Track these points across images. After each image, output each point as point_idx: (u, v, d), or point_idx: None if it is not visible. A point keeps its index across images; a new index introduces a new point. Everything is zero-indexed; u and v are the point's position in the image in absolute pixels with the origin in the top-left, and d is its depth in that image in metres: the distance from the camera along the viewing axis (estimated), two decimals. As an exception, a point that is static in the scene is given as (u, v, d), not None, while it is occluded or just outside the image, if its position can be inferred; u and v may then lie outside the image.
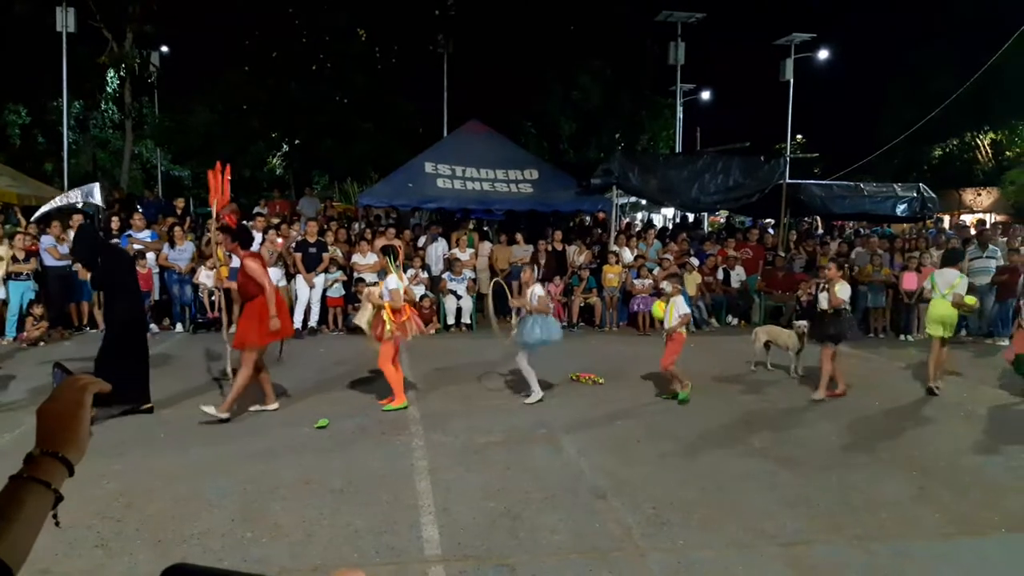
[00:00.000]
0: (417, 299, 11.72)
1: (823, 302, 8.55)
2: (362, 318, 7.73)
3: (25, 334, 10.88)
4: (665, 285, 8.67)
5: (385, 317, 7.41)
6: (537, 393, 7.94)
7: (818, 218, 20.60)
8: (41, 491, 1.12)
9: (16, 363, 9.54)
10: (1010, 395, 8.73)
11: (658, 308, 8.70)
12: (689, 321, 8.48)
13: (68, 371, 1.34)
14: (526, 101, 23.32)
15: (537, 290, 8.03)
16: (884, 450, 6.65)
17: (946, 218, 27.16)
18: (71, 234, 11.57)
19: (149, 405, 7.25)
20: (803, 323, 9.53)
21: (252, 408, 7.39)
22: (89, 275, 8.74)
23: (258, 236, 10.52)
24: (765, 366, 9.89)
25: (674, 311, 8.16)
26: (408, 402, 7.66)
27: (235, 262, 11.52)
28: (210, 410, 7.02)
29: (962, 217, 28.15)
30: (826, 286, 8.55)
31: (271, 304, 7.04)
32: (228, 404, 7.07)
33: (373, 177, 22.42)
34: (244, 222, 9.87)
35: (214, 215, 8.65)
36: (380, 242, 11.48)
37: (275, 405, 7.45)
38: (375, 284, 8.94)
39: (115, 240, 11.77)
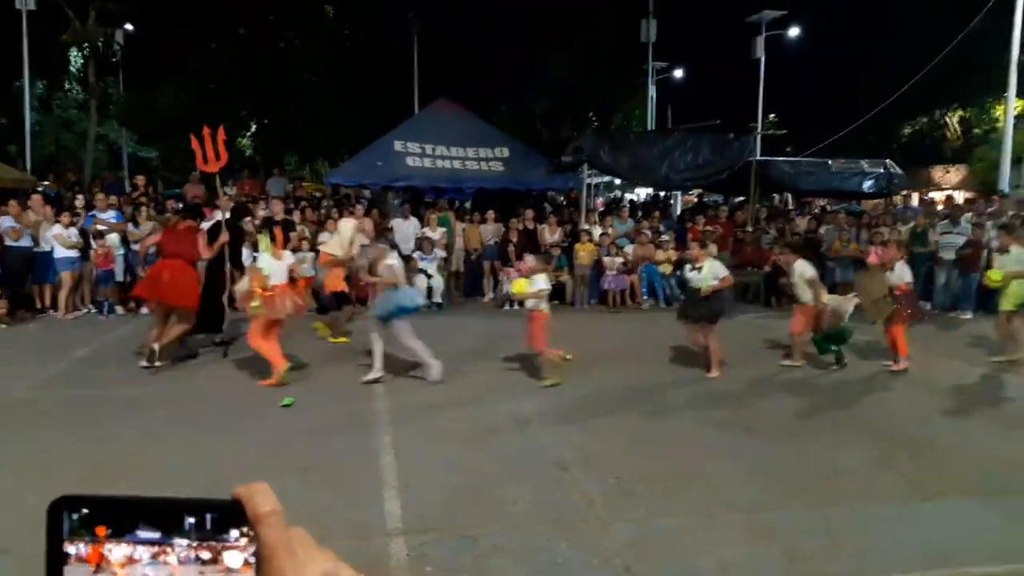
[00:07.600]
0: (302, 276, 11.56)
1: (694, 281, 8.23)
2: (243, 287, 7.73)
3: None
4: (532, 258, 8.30)
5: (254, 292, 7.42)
6: (377, 371, 7.59)
7: (788, 195, 20.73)
8: None
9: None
10: (969, 366, 8.89)
11: (516, 286, 8.27)
12: (545, 296, 7.98)
13: None
14: (498, 80, 23.13)
15: (388, 262, 7.75)
16: (846, 420, 6.76)
17: (915, 195, 27.42)
18: (29, 214, 11.38)
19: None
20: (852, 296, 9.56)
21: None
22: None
23: (220, 215, 10.29)
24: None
25: (530, 287, 7.83)
26: (285, 376, 7.33)
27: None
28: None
29: (930, 194, 28.46)
30: (697, 266, 8.26)
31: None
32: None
33: (345, 157, 22.19)
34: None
35: (218, 180, 9.78)
36: (347, 221, 11.29)
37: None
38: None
39: (78, 217, 11.66)
